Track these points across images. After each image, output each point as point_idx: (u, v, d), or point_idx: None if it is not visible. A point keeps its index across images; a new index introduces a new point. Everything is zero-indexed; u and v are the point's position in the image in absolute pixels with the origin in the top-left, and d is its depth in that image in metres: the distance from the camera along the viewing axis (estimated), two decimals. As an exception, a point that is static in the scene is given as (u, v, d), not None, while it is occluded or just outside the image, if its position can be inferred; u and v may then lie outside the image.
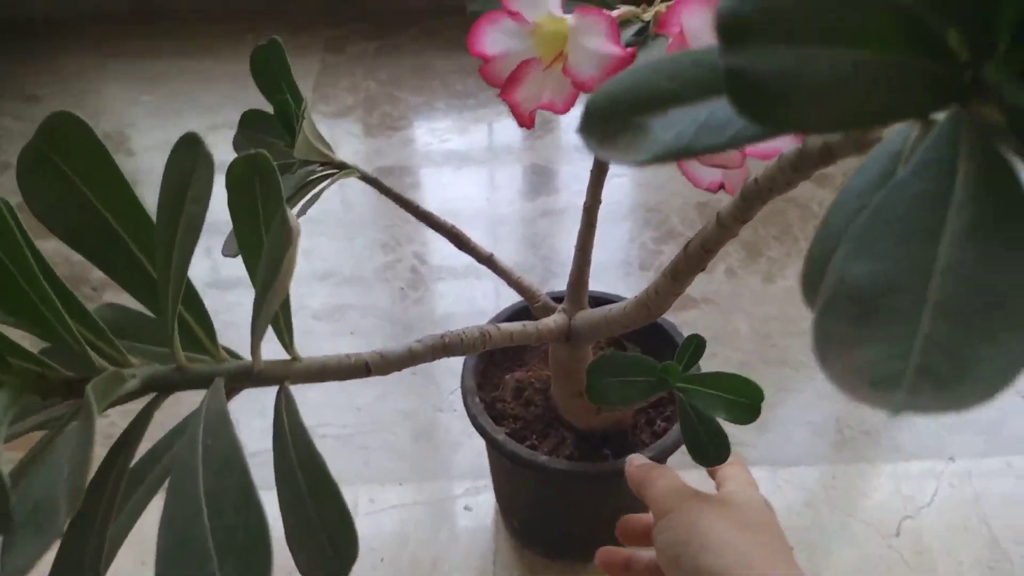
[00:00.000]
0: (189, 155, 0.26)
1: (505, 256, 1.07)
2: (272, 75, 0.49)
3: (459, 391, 0.63)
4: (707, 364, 0.54)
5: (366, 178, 0.52)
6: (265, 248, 0.27)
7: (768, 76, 0.16)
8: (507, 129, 1.30)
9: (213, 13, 1.59)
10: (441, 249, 1.04)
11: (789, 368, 0.90)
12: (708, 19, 0.32)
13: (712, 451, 0.47)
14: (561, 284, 1.08)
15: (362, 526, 0.81)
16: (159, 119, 1.37)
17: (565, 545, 0.73)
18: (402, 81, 1.40)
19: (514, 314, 0.66)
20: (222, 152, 1.11)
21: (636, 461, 0.50)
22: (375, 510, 0.79)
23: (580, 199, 0.52)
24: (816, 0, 0.16)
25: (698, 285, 1.00)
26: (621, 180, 1.18)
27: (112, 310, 0.33)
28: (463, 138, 1.29)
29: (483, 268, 0.60)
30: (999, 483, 0.79)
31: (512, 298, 0.63)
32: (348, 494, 0.26)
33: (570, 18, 0.36)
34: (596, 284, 0.59)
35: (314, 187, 0.49)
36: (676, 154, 0.17)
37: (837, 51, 0.16)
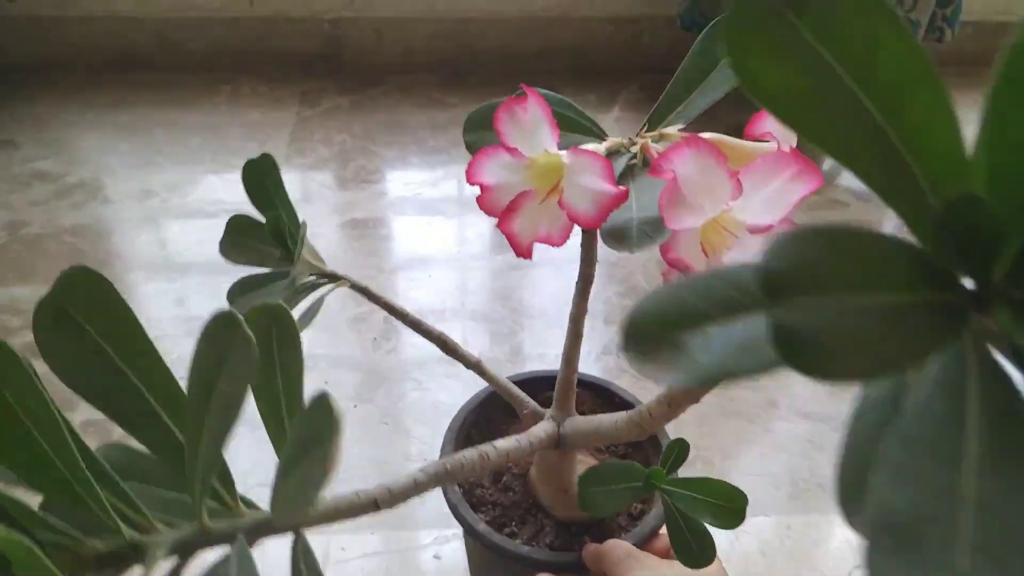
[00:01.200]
0: (224, 336, 0.26)
1: (474, 307, 1.10)
2: (264, 188, 0.50)
3: (430, 442, 0.61)
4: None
5: (356, 287, 0.53)
6: (300, 428, 0.26)
7: (808, 331, 0.17)
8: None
9: (189, 64, 1.61)
10: (414, 300, 1.07)
11: (746, 421, 0.94)
12: (700, 165, 0.35)
13: (698, 552, 0.49)
14: (529, 337, 1.10)
15: (334, 574, 0.82)
16: (135, 168, 1.38)
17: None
18: (376, 135, 1.43)
19: (484, 400, 0.66)
20: (195, 204, 1.12)
21: (616, 550, 0.51)
22: (346, 558, 0.81)
23: (548, 253, 0.50)
24: (842, 252, 0.18)
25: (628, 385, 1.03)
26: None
27: (119, 451, 0.33)
28: (435, 190, 1.32)
29: (452, 316, 0.59)
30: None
31: (478, 344, 0.62)
32: (320, 542, 0.27)
33: (564, 156, 0.39)
34: (562, 336, 0.59)
35: (306, 294, 0.50)
36: (718, 377, 0.19)
37: (865, 298, 0.18)
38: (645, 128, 0.46)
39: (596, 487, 0.49)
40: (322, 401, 0.24)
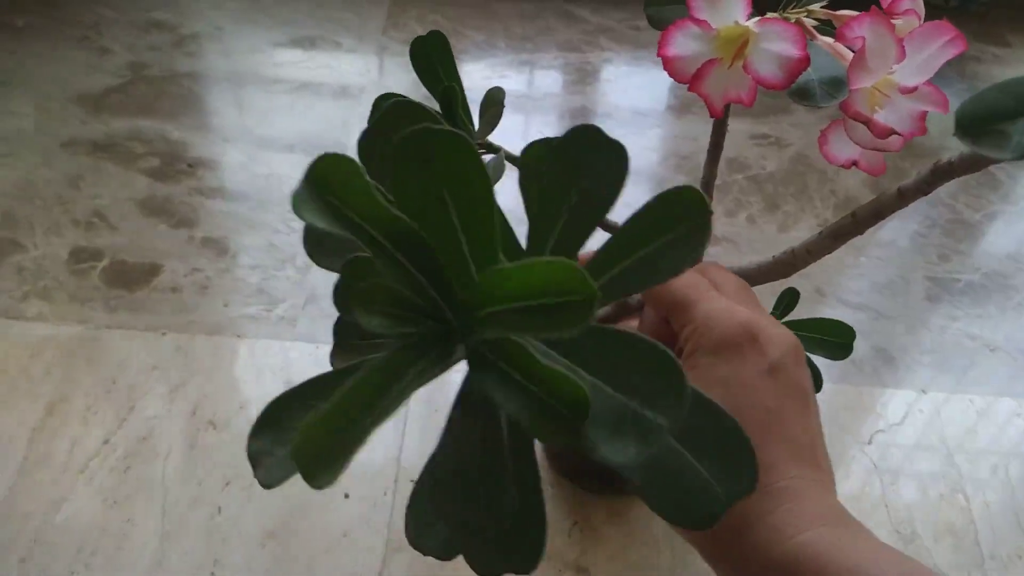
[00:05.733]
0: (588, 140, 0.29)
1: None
2: (431, 65, 0.50)
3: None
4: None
5: (510, 157, 0.54)
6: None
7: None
8: (551, 76, 1.36)
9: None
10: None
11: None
12: (877, 33, 0.39)
13: None
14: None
15: None
16: (245, 26, 1.40)
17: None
18: (466, 19, 1.44)
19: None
20: (307, 68, 1.17)
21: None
22: None
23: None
24: None
25: (721, 227, 1.08)
26: (656, 131, 1.25)
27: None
28: (520, 76, 1.34)
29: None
30: (960, 415, 0.89)
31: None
32: None
33: (753, 25, 0.41)
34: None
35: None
36: None
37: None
38: (793, 5, 0.50)
39: None
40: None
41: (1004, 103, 0.25)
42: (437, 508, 0.30)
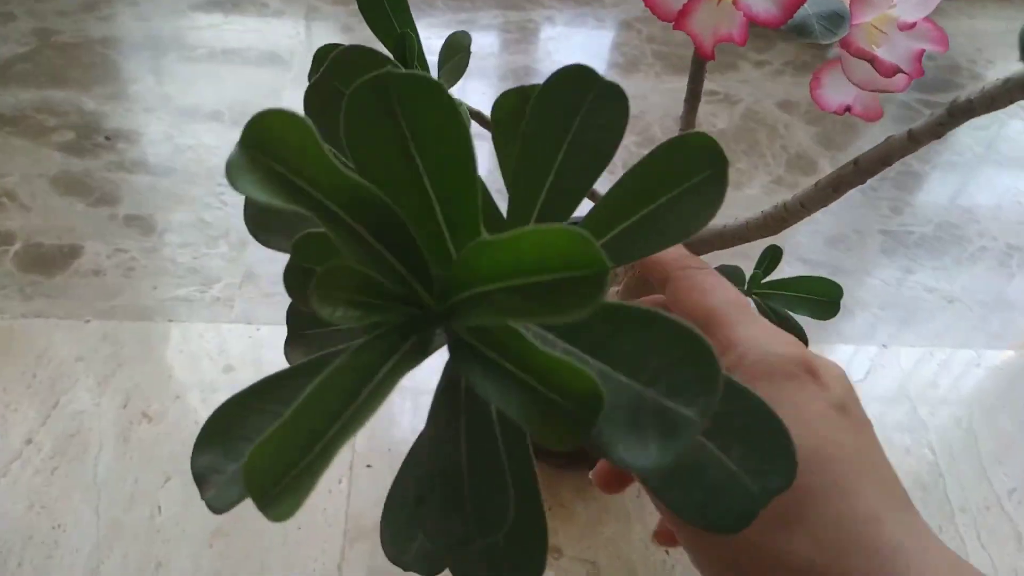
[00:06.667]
0: (581, 83, 0.25)
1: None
2: (382, 9, 0.45)
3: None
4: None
5: (475, 115, 0.50)
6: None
7: None
8: (491, 35, 1.30)
9: None
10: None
11: (749, 260, 0.97)
12: None
13: None
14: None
15: None
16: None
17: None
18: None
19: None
20: (231, 31, 1.09)
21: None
22: None
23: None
24: None
25: (675, 187, 1.05)
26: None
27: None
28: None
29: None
30: (921, 367, 0.88)
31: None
32: None
33: None
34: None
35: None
36: None
37: None
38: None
39: None
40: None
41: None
42: (418, 518, 0.25)
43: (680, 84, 1.20)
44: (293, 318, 0.31)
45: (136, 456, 0.72)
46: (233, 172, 0.20)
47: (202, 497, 0.24)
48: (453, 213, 0.23)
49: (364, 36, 1.25)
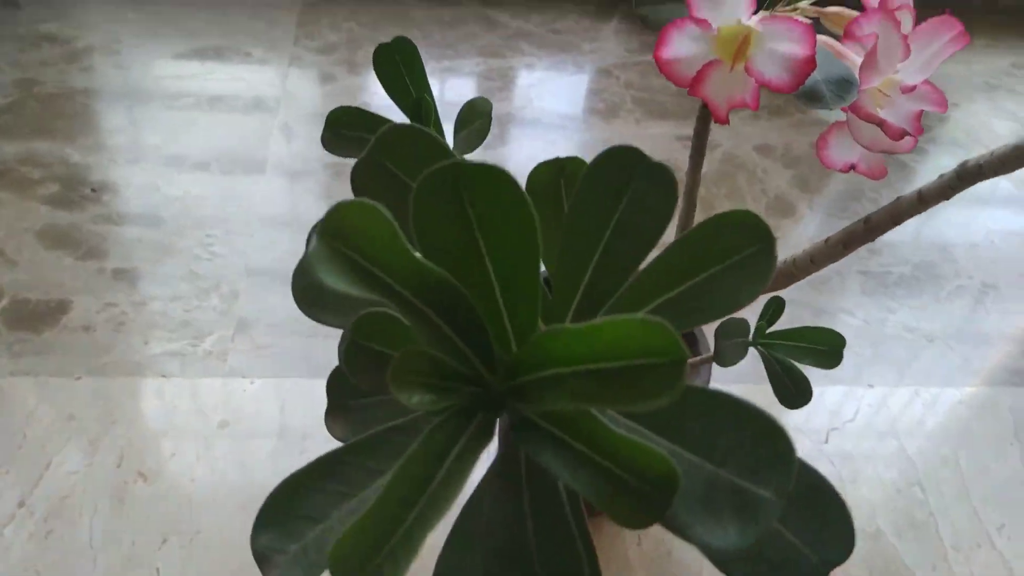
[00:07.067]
0: (626, 164, 0.25)
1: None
2: (397, 73, 0.46)
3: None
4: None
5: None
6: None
7: None
8: (473, 82, 1.32)
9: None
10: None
11: (751, 312, 0.99)
12: (884, 30, 0.37)
13: (796, 395, 0.52)
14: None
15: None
16: (146, 39, 1.30)
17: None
18: (381, 26, 1.39)
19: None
20: (215, 80, 1.09)
21: None
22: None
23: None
24: None
25: (660, 231, 1.07)
26: (584, 135, 1.23)
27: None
28: (440, 83, 1.30)
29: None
30: (908, 406, 0.90)
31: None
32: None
33: (756, 24, 0.39)
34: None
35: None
36: None
37: None
38: (781, 3, 0.47)
39: (725, 340, 0.52)
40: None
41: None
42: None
43: (660, 129, 1.23)
44: (334, 388, 0.32)
45: (132, 517, 0.71)
46: (316, 262, 0.21)
47: (265, 578, 0.24)
48: (513, 297, 0.24)
49: (347, 84, 1.27)
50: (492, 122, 1.26)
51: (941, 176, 0.37)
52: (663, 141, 1.20)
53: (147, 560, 0.68)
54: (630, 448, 0.21)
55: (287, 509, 0.26)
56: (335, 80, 1.25)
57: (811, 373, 0.92)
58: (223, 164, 1.09)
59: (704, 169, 1.16)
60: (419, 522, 0.21)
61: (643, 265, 0.29)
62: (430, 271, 0.22)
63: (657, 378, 0.19)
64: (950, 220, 1.17)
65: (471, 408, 0.24)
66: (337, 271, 0.21)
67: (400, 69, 0.45)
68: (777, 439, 0.21)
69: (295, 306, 0.91)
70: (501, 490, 0.25)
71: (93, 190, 1.02)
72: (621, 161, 0.27)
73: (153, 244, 0.96)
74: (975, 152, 1.26)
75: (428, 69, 1.32)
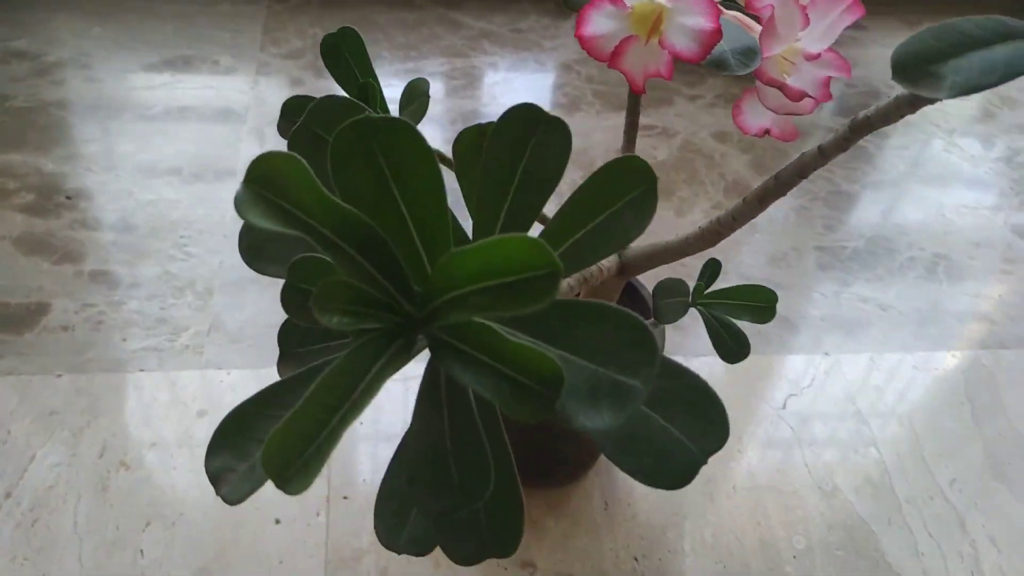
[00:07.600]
0: (529, 119, 0.29)
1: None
2: (343, 61, 0.49)
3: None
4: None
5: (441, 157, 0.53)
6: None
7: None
8: (438, 82, 1.36)
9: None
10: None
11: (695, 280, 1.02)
12: (782, 2, 0.40)
13: (736, 350, 0.56)
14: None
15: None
16: (114, 51, 1.33)
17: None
18: (346, 29, 1.42)
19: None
20: (184, 89, 1.13)
21: None
22: None
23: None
24: None
25: (622, 217, 1.10)
26: (548, 127, 1.27)
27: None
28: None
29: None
30: (862, 372, 0.94)
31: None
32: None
33: (667, 1, 0.41)
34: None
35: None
36: (969, 90, 0.25)
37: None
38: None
39: (665, 299, 0.55)
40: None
41: (936, 47, 0.26)
42: (413, 499, 0.29)
43: (619, 120, 1.26)
44: (284, 338, 0.35)
45: (116, 503, 0.73)
46: (240, 205, 0.24)
47: (217, 493, 0.28)
48: (427, 234, 0.27)
49: (315, 87, 1.29)
50: (459, 119, 1.28)
51: (836, 131, 0.40)
52: (623, 130, 1.24)
53: (131, 543, 0.71)
54: (524, 354, 0.24)
55: (235, 434, 0.29)
56: (303, 84, 1.28)
57: (770, 343, 0.96)
58: (194, 169, 1.12)
59: (663, 156, 1.20)
60: (339, 424, 0.24)
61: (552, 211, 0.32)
62: (347, 212, 0.25)
63: (537, 287, 0.23)
64: (902, 197, 1.21)
65: (393, 333, 0.27)
66: (261, 213, 0.24)
67: (346, 57, 0.48)
68: (647, 342, 0.24)
69: (268, 301, 0.95)
70: (427, 405, 0.28)
71: (68, 198, 1.04)
72: (525, 116, 0.30)
73: (128, 247, 0.99)
74: (936, 137, 1.30)
75: (392, 71, 1.35)
